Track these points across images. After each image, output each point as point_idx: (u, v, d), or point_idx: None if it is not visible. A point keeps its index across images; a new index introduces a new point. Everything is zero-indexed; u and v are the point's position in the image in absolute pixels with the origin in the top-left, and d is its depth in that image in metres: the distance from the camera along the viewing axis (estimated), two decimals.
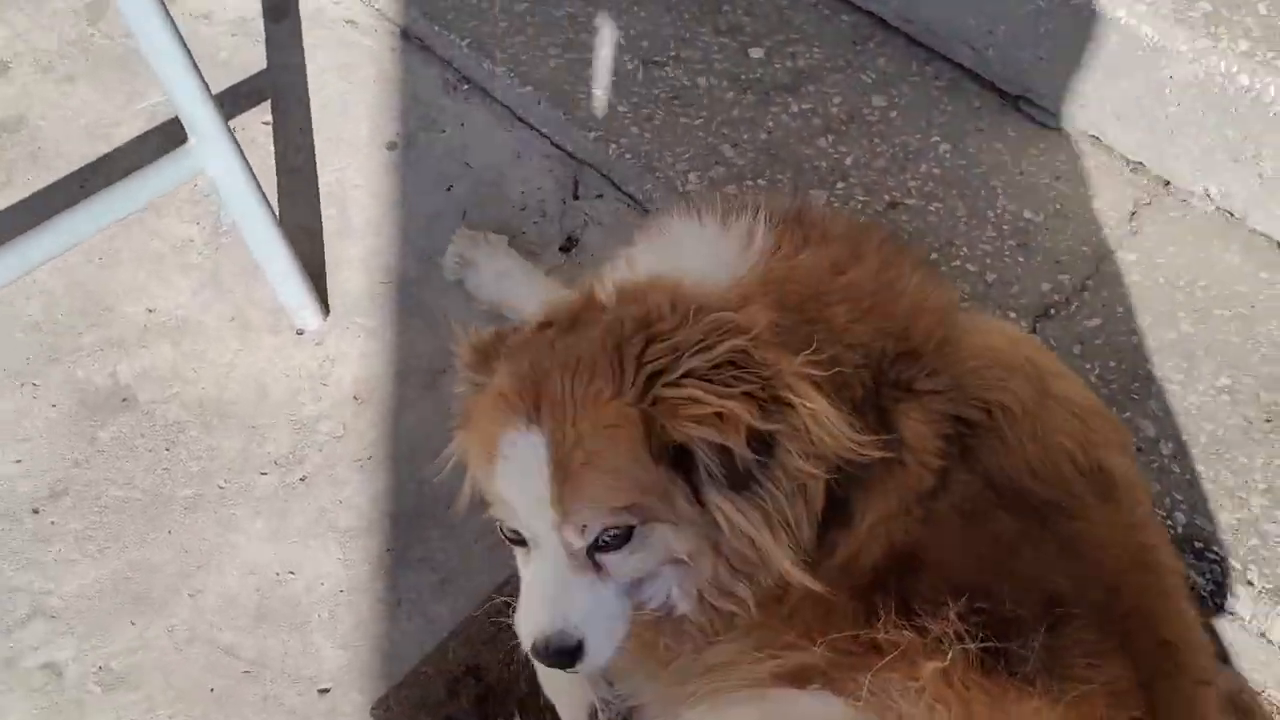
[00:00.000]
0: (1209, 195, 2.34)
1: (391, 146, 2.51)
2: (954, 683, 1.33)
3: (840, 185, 2.36)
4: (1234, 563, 1.87)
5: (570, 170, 2.46)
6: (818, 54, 2.62)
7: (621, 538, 1.40)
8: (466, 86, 2.60)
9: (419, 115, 2.56)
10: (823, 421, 1.37)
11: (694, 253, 1.56)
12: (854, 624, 1.40)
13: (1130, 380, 2.08)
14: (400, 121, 2.54)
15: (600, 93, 2.51)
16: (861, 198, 2.35)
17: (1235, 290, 2.22)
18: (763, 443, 1.35)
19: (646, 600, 1.53)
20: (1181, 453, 2.00)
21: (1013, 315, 2.16)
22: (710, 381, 1.34)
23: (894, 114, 2.49)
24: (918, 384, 1.48)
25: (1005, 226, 2.31)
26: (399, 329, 2.25)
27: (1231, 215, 2.33)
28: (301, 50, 2.66)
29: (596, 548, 1.40)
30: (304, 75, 2.62)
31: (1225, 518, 1.92)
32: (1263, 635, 1.85)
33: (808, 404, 1.37)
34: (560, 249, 2.35)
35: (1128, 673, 1.36)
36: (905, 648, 1.36)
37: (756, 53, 2.62)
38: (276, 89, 2.60)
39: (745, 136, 2.44)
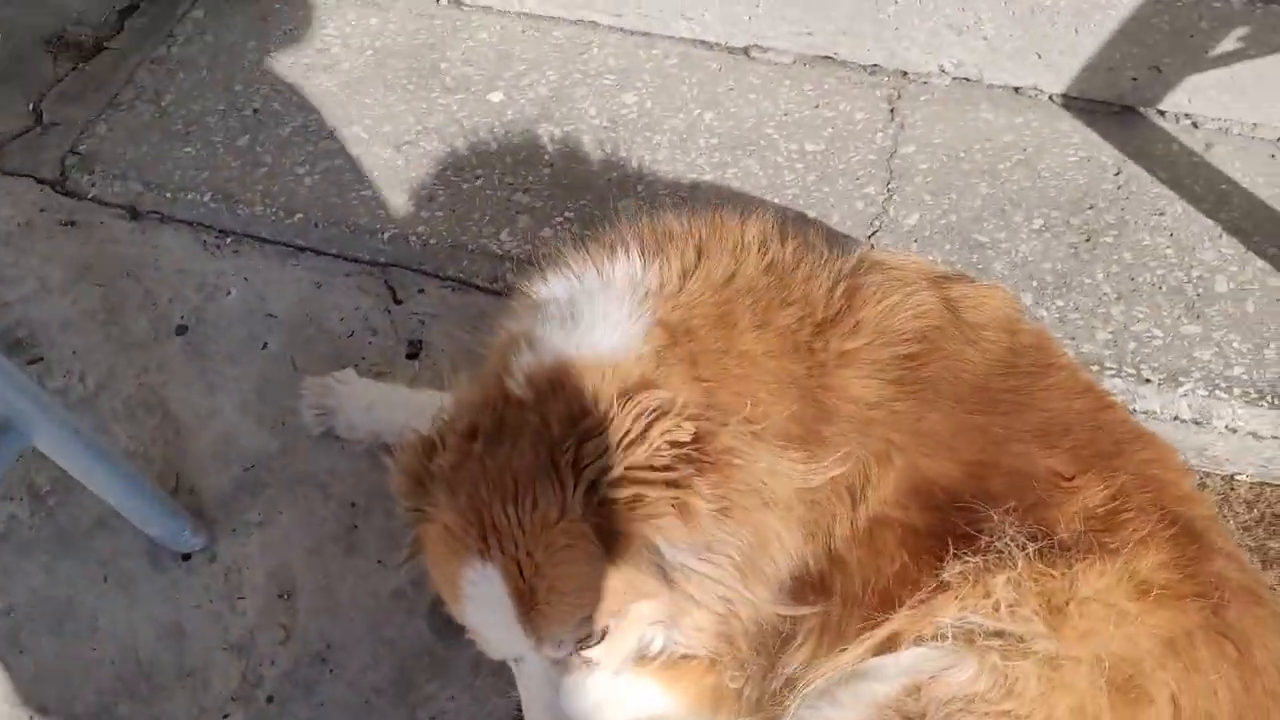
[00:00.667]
0: (944, 71, 2.54)
1: (182, 331, 2.31)
2: (1023, 584, 1.41)
3: (640, 187, 2.39)
4: (1127, 369, 2.07)
5: (379, 278, 2.35)
6: (552, 75, 2.63)
7: (600, 634, 1.42)
8: (230, 239, 2.43)
9: (194, 287, 2.37)
10: (775, 473, 1.42)
11: (590, 322, 1.52)
12: (918, 575, 1.45)
13: (969, 254, 2.25)
14: (177, 303, 2.34)
15: (371, 192, 2.41)
16: (664, 190, 2.39)
17: (1005, 141, 2.44)
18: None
19: (653, 651, 1.55)
20: (1041, 297, 2.18)
21: (847, 239, 2.28)
22: (654, 470, 1.35)
23: (647, 102, 2.55)
24: (845, 347, 1.54)
25: (799, 165, 2.42)
26: (289, 506, 2.08)
27: (969, 80, 2.54)
28: (36, 269, 2.40)
29: (579, 646, 1.43)
30: (50, 294, 2.36)
31: (1101, 336, 2.12)
32: (1176, 419, 2.05)
33: (757, 463, 1.41)
34: (408, 357, 2.25)
35: (1152, 514, 1.48)
36: (971, 575, 1.42)
37: (496, 96, 2.60)
38: (30, 323, 2.33)
39: (530, 178, 2.42)
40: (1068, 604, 1.38)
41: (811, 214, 2.33)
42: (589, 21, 2.73)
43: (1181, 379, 2.04)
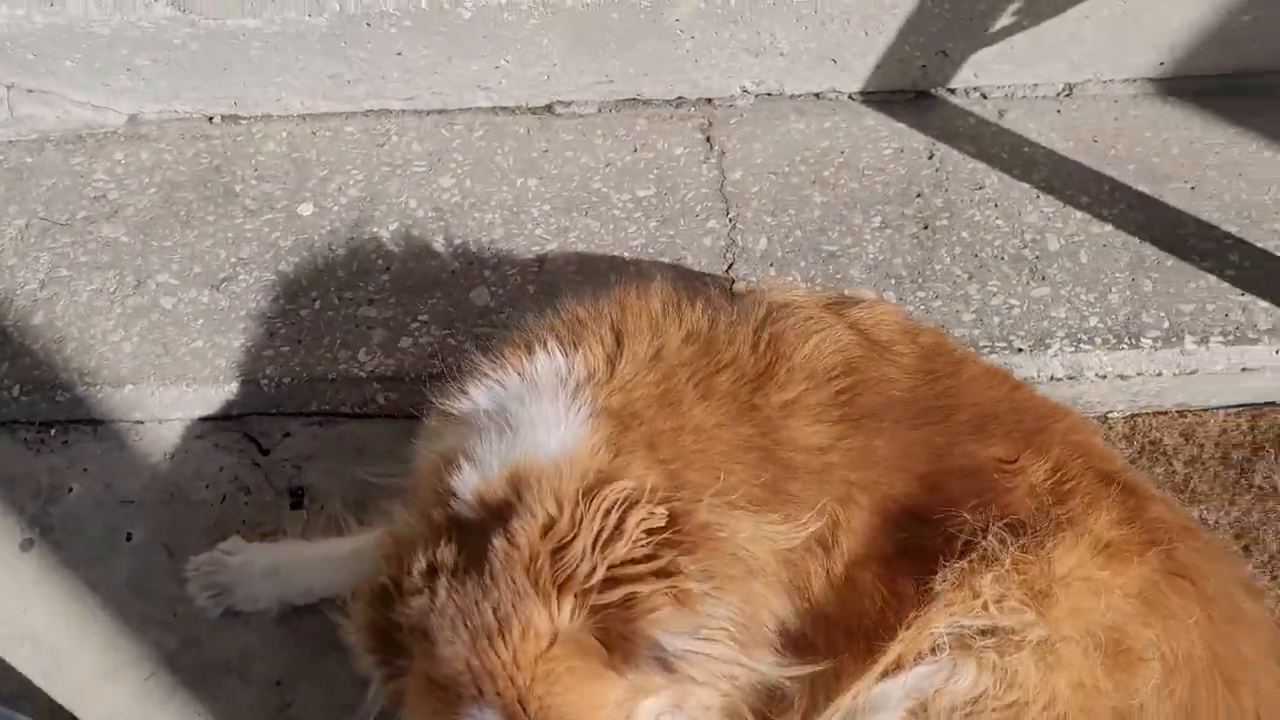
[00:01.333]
0: (747, 90, 2.58)
1: (28, 545, 2.06)
2: (1008, 577, 1.45)
3: (487, 272, 2.31)
4: (999, 343, 2.17)
5: (238, 432, 2.17)
6: (358, 175, 2.50)
7: None
8: (54, 431, 2.18)
9: (28, 493, 2.11)
10: (757, 539, 1.42)
11: (529, 425, 1.48)
12: (913, 599, 1.47)
13: (825, 265, 2.29)
14: (14, 515, 2.08)
15: (202, 342, 2.22)
16: (512, 270, 2.31)
17: (822, 147, 2.50)
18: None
19: None
20: (902, 292, 2.24)
21: (708, 278, 2.28)
22: (638, 563, 1.31)
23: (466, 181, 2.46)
24: (785, 398, 1.55)
25: (637, 214, 2.40)
26: (208, 702, 1.90)
27: (771, 95, 2.60)
28: None
29: None
30: None
31: (966, 318, 2.21)
32: (1052, 379, 2.17)
33: (739, 533, 1.40)
34: (293, 508, 2.09)
35: (1090, 478, 1.56)
36: (958, 580, 1.46)
37: (305, 209, 2.45)
38: None
39: (371, 287, 2.29)
40: (1050, 587, 1.46)
41: (665, 260, 2.32)
42: (380, 110, 2.62)
43: (1048, 341, 2.16)
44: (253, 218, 2.43)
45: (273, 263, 2.35)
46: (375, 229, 2.40)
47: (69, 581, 2.02)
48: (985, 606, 1.45)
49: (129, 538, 2.06)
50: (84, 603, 1.99)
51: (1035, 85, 2.59)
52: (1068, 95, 2.60)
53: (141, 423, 2.19)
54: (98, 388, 2.17)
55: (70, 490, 2.12)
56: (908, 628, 1.47)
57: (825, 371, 1.58)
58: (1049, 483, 1.55)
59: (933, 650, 1.47)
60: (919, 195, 2.40)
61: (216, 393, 2.17)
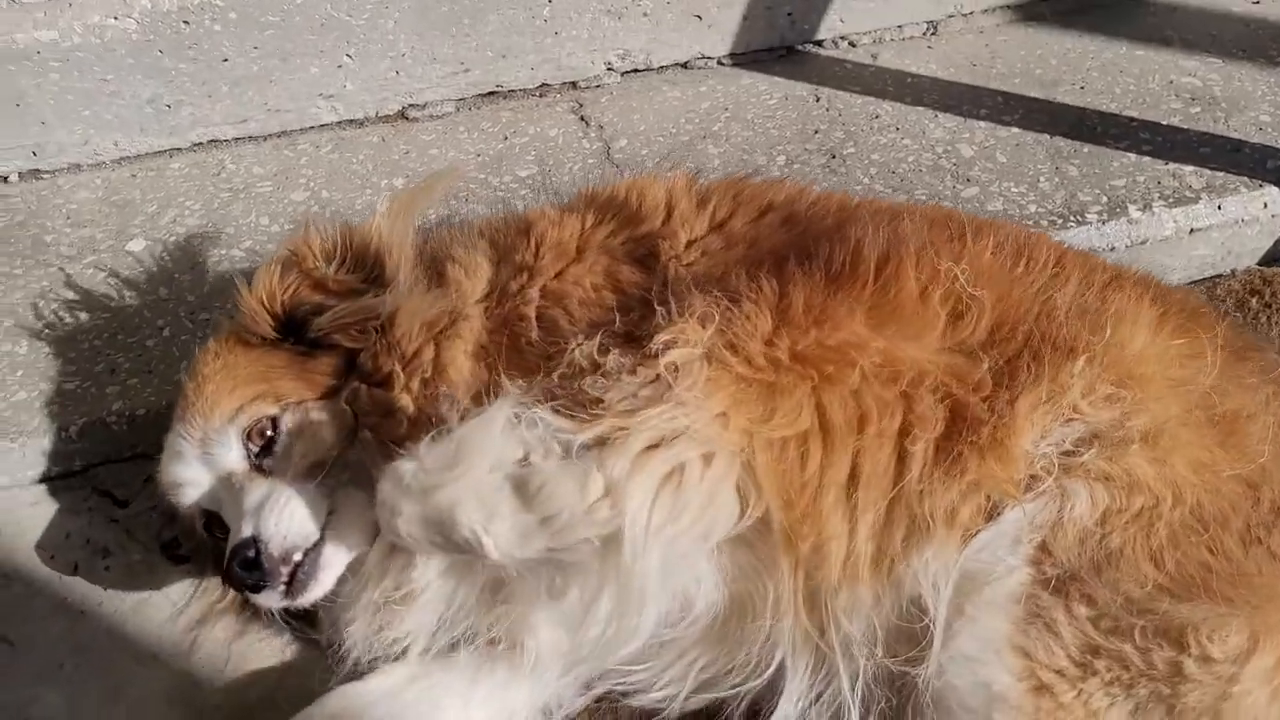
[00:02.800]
0: (612, 68, 2.42)
1: None
2: (1089, 366, 1.28)
3: None
4: None
5: (83, 489, 1.75)
6: (194, 205, 2.16)
7: None
8: None
9: None
10: None
11: None
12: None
13: None
14: None
15: (26, 394, 1.79)
16: None
17: (704, 108, 2.35)
18: None
19: None
20: None
21: None
22: None
23: (322, 192, 2.16)
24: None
25: (524, 192, 2.14)
26: None
27: (639, 71, 2.45)
28: None
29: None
30: None
31: None
32: None
33: None
34: (173, 562, 1.66)
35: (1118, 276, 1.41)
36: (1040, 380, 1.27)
37: (136, 245, 2.08)
38: None
39: (228, 305, 1.93)
40: (1133, 367, 1.28)
41: None
42: (209, 141, 2.31)
43: None
44: (73, 262, 2.05)
45: (103, 302, 1.96)
46: (225, 250, 2.06)
47: None
48: (1075, 407, 1.22)
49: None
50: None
51: (900, 27, 2.53)
52: (933, 33, 2.55)
53: None
54: None
55: None
56: (985, 456, 1.22)
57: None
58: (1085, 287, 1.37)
59: (1029, 487, 1.22)
60: (816, 132, 2.26)
61: (52, 444, 1.74)
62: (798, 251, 1.39)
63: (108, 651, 1.57)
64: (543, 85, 2.41)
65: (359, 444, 1.43)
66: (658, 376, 1.24)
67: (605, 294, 1.42)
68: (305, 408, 1.44)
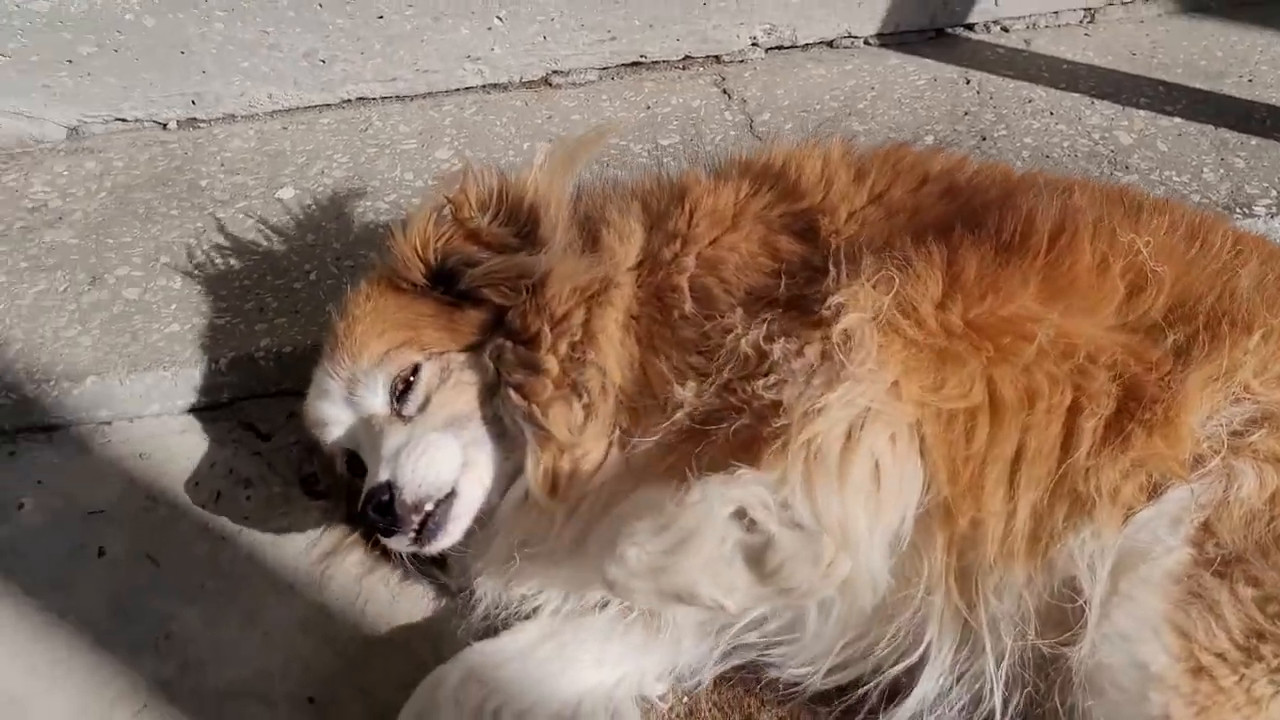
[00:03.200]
0: (757, 43, 2.40)
1: None
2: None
3: None
4: None
5: (231, 420, 1.79)
6: (342, 158, 2.21)
7: None
8: None
9: None
10: None
11: None
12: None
13: None
14: None
15: (179, 326, 1.84)
16: None
17: (849, 85, 2.31)
18: None
19: None
20: None
21: None
22: None
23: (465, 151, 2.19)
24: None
25: (667, 159, 2.13)
26: None
27: (783, 48, 2.42)
28: None
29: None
30: None
31: None
32: None
33: None
34: (312, 497, 1.69)
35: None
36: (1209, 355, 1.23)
37: (286, 192, 2.13)
38: None
39: (373, 253, 1.97)
40: None
41: None
42: (357, 99, 2.35)
43: None
44: (225, 207, 2.11)
45: (253, 244, 2.01)
46: (370, 201, 2.10)
47: (26, 614, 1.56)
48: (1247, 386, 1.16)
49: (101, 553, 1.63)
50: (49, 636, 1.54)
51: (1056, 13, 2.46)
52: (1090, 21, 2.47)
53: (109, 423, 1.79)
54: (51, 384, 1.77)
55: (21, 507, 1.69)
56: (1152, 431, 1.17)
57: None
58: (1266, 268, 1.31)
59: (1195, 465, 1.16)
60: (966, 114, 2.20)
61: (202, 375, 1.79)
62: (963, 222, 1.35)
63: (246, 577, 1.61)
64: (686, 58, 2.39)
65: (499, 400, 1.43)
66: (827, 353, 1.22)
67: (763, 260, 1.40)
68: (449, 358, 1.44)
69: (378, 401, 1.45)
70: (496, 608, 1.46)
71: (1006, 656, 1.27)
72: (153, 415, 1.80)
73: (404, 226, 1.50)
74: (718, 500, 1.16)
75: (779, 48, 2.42)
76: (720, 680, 1.45)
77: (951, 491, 1.22)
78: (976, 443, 1.22)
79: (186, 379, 1.78)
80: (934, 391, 1.21)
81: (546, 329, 1.37)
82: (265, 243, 2.01)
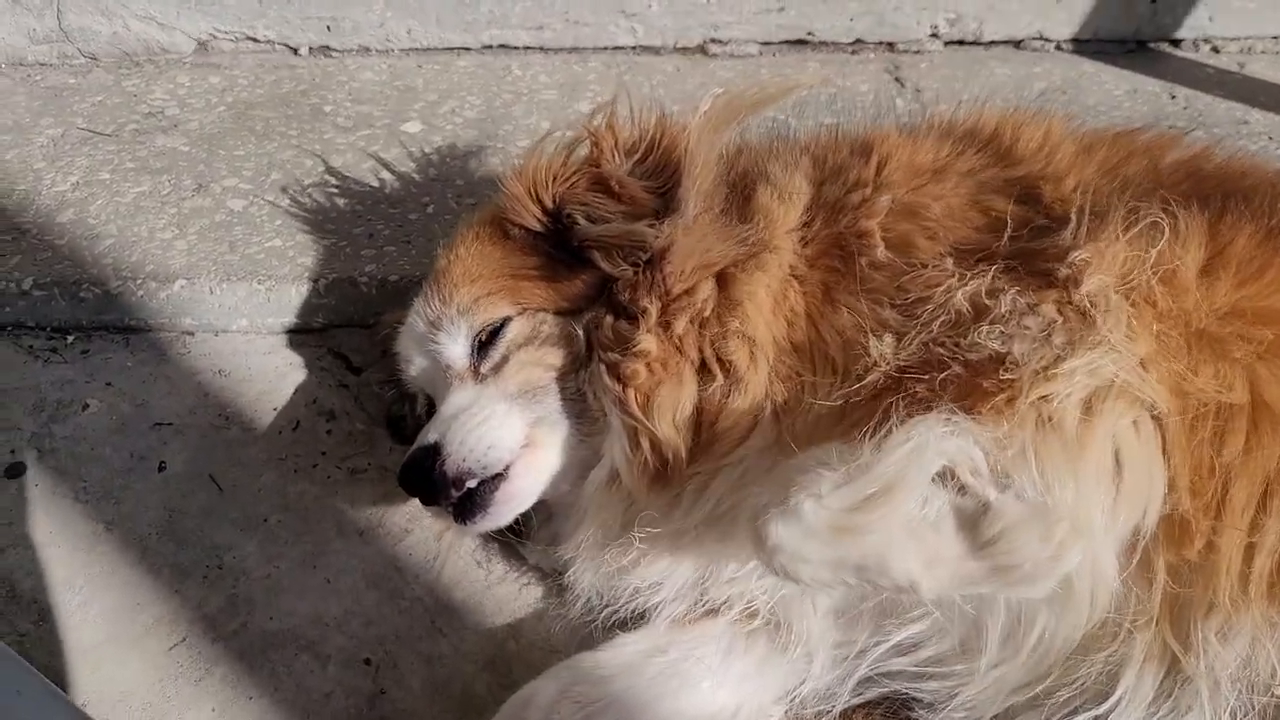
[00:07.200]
0: (937, 34, 2.19)
1: (16, 470, 1.45)
2: None
3: None
4: None
5: (321, 346, 1.62)
6: (475, 100, 2.05)
7: None
8: (71, 339, 1.62)
9: (24, 409, 1.53)
10: None
11: None
12: None
13: None
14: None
15: (280, 241, 1.69)
16: None
17: (1038, 86, 2.07)
18: None
19: None
20: None
21: None
22: None
23: None
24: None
25: None
26: (268, 684, 1.25)
27: (964, 44, 2.20)
28: None
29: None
30: None
31: None
32: None
33: None
34: (395, 440, 1.50)
35: None
36: None
37: (413, 126, 1.98)
38: None
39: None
40: None
41: None
42: (499, 45, 2.20)
43: None
44: (346, 134, 1.96)
45: (372, 171, 1.86)
46: (501, 145, 1.93)
47: (72, 519, 1.40)
48: None
49: (161, 468, 1.47)
50: (91, 546, 1.37)
51: (1276, 38, 2.20)
52: None
53: (191, 333, 1.64)
54: (138, 283, 1.62)
55: (85, 408, 1.54)
56: None
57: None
58: None
59: None
60: (1171, 128, 1.95)
61: (298, 294, 1.62)
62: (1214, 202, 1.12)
63: (314, 516, 1.42)
64: (857, 41, 2.19)
65: (584, 375, 1.23)
66: (1065, 311, 0.99)
67: (973, 215, 1.17)
68: (542, 318, 1.25)
69: (458, 351, 1.26)
70: (601, 602, 1.24)
71: (1229, 715, 1.01)
72: (239, 331, 1.63)
73: (525, 161, 1.31)
74: (932, 448, 0.93)
75: (960, 42, 2.20)
76: (849, 714, 1.21)
77: (1192, 505, 0.97)
78: (1229, 451, 0.98)
79: (281, 296, 1.62)
80: (1188, 379, 0.97)
81: (655, 306, 1.16)
82: (383, 171, 1.86)
